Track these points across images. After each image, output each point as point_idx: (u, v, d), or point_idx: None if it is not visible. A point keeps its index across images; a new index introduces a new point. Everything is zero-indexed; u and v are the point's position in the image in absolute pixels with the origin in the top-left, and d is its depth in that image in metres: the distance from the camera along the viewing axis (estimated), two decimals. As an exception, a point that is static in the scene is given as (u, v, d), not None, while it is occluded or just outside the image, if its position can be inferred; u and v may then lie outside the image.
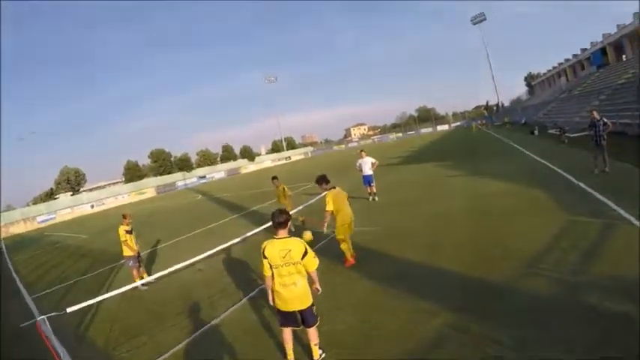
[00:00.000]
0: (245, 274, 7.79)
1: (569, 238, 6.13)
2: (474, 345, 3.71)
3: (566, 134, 19.46)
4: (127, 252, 8.62)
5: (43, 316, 3.54)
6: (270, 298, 4.07)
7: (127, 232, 8.73)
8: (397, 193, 13.57)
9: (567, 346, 3.42)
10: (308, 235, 5.08)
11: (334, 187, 6.98)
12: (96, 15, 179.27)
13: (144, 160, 74.20)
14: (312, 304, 4.02)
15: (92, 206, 49.06)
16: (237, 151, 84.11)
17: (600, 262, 5.05)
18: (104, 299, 4.80)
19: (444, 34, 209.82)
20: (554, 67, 59.93)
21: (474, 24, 74.90)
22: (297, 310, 3.93)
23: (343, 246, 6.91)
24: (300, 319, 4.00)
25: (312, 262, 3.94)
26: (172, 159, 71.89)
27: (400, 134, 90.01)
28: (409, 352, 3.84)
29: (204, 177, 64.40)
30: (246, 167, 74.32)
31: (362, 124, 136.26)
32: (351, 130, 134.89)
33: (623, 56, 37.40)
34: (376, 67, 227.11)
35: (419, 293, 5.16)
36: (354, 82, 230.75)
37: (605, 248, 5.47)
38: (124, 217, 8.91)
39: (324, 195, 6.88)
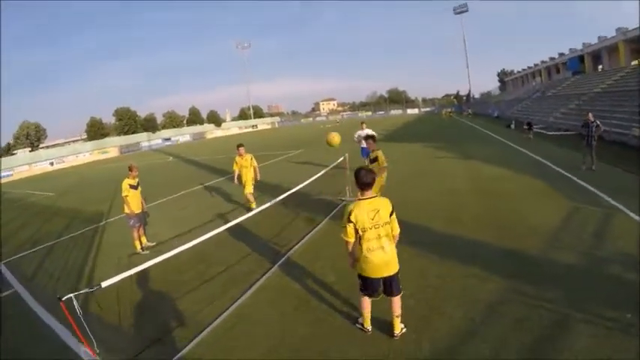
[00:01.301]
0: (262, 237, 8.05)
1: (577, 221, 7.15)
2: (532, 304, 4.40)
3: (532, 129, 21.07)
4: (127, 209, 8.03)
5: (71, 294, 3.20)
6: (350, 262, 3.97)
7: (132, 186, 8.07)
8: (394, 168, 14.31)
9: (612, 304, 4.23)
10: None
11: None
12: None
13: (108, 119, 71.29)
14: (399, 271, 3.87)
15: (52, 164, 46.26)
16: (204, 115, 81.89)
17: (610, 242, 6.03)
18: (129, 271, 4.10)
19: (423, 21, 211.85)
20: (529, 67, 62.98)
21: (456, 14, 76.91)
22: (383, 276, 3.77)
23: None
24: (383, 288, 3.85)
25: (396, 224, 3.81)
26: (137, 119, 69.20)
27: (370, 113, 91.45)
28: (478, 311, 4.39)
29: (169, 139, 63.77)
30: (212, 132, 73.92)
31: (332, 99, 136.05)
32: (320, 104, 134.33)
33: (599, 66, 40.25)
34: (351, 44, 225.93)
35: (461, 260, 5.80)
36: (327, 56, 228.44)
37: (611, 232, 6.50)
38: (130, 169, 8.21)
39: (381, 152, 8.18)
